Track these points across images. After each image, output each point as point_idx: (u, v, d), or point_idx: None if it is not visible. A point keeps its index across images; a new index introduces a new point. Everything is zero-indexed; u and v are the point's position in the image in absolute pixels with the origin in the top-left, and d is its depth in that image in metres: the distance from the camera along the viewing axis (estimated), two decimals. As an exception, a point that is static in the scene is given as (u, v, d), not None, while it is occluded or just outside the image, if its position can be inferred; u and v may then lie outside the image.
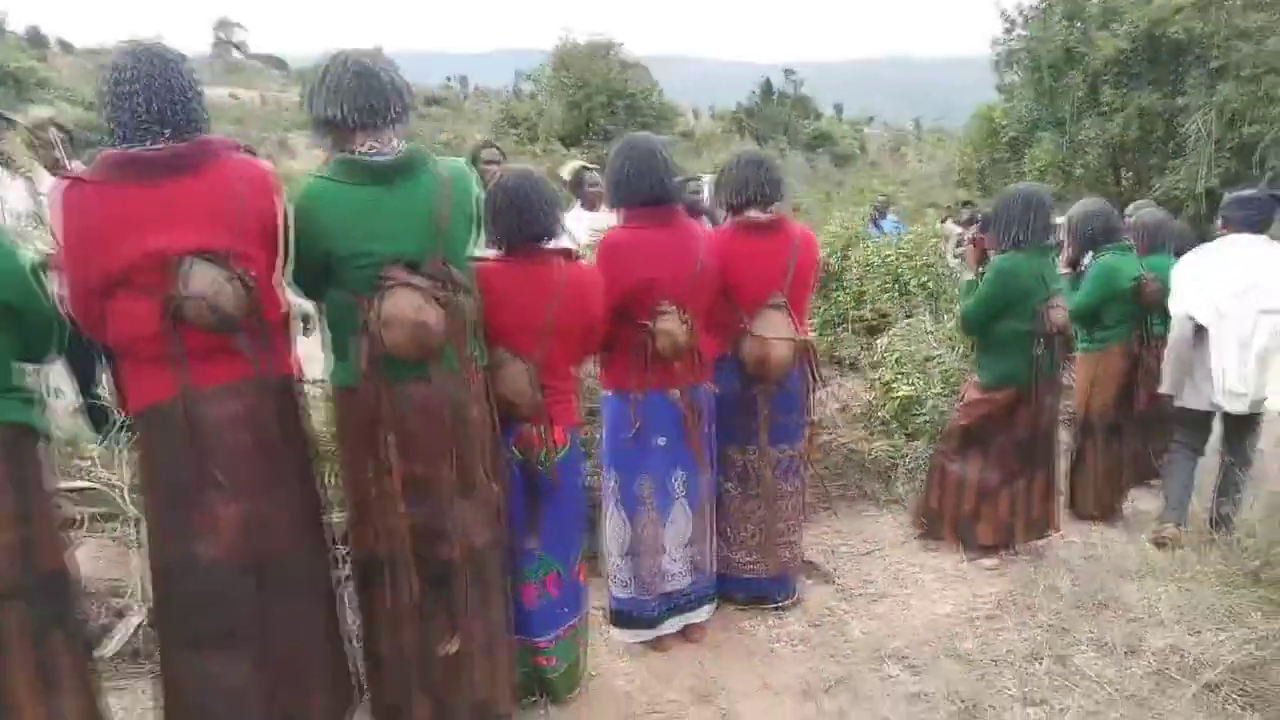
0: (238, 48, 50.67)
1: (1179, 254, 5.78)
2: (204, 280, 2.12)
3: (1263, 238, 4.48)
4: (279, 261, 2.31)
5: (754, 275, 3.41)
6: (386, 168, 2.35)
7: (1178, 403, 4.49)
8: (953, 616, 3.80)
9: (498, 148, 5.99)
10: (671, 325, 3.09)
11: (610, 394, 3.28)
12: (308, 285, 2.44)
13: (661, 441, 3.24)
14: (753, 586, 3.74)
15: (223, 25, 50.84)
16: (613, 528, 3.34)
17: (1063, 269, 5.08)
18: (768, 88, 47.23)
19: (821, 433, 5.03)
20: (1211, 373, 4.29)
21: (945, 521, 4.48)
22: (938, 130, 49.90)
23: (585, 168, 6.35)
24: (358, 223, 2.31)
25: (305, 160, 22.85)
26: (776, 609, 3.77)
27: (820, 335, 9.35)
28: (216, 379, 2.22)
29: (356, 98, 2.32)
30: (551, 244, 2.81)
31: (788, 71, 49.42)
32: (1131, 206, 6.71)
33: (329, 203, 2.32)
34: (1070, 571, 4.21)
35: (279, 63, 51.15)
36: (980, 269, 4.27)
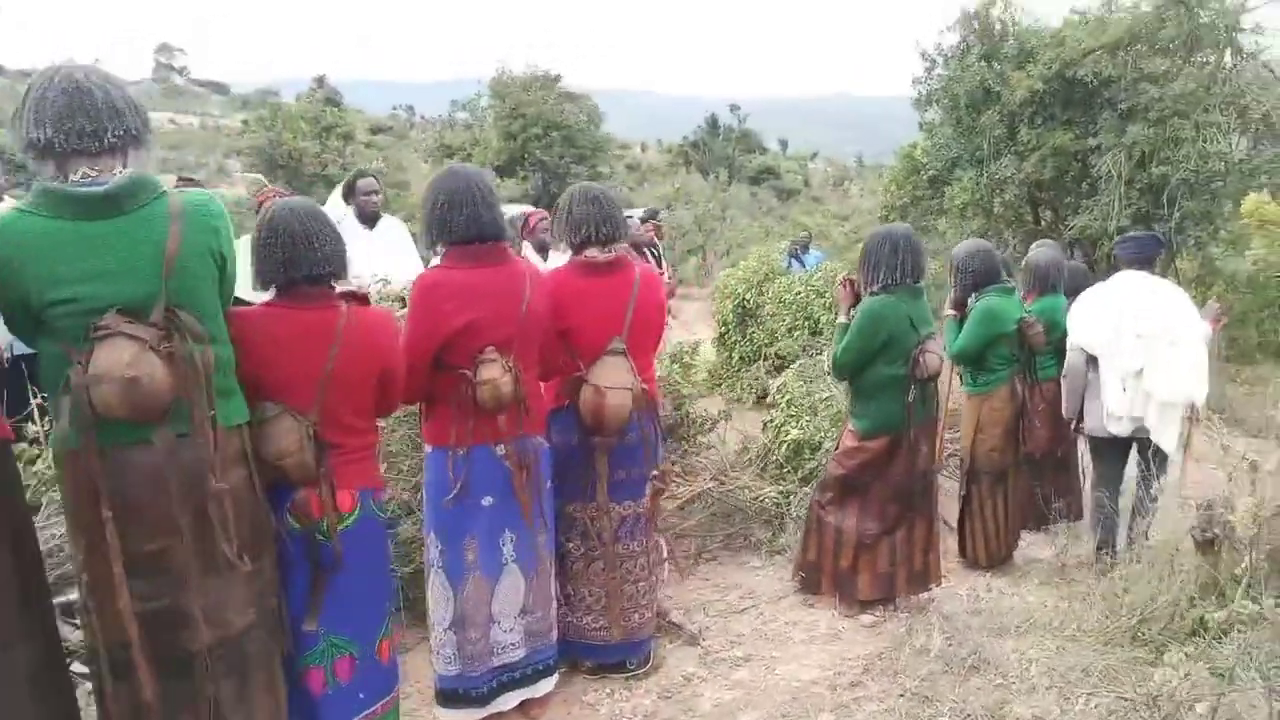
0: (179, 73, 49.67)
1: (1074, 293, 5.68)
2: None
3: (1145, 273, 4.68)
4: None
5: (591, 319, 3.12)
6: (99, 199, 1.99)
7: (1087, 430, 4.74)
8: (817, 683, 3.51)
9: (375, 177, 5.68)
10: (494, 373, 2.78)
11: (431, 450, 2.95)
12: (22, 335, 2.08)
13: (488, 501, 2.92)
14: (601, 653, 3.41)
15: (164, 50, 49.86)
16: (435, 598, 3.00)
17: (948, 310, 4.90)
18: (714, 122, 47.62)
19: (682, 482, 4.76)
20: (1101, 398, 4.52)
21: (824, 574, 4.21)
22: (880, 166, 50.69)
23: (525, 216, 6.05)
24: (63, 263, 1.95)
25: (245, 185, 22.25)
26: (629, 677, 3.46)
27: (736, 372, 9.19)
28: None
29: (64, 119, 1.97)
30: (337, 286, 2.49)
31: (733, 106, 49.85)
32: (1033, 246, 6.59)
33: (27, 240, 1.96)
34: (947, 629, 3.95)
35: (220, 88, 50.23)
36: (851, 312, 4.04)
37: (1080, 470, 5.90)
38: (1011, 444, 4.72)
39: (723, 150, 46.06)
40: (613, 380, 3.03)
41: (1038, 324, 4.68)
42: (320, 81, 37.85)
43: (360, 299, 2.53)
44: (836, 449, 4.24)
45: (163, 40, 50.64)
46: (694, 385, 5.11)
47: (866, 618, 4.12)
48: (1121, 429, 4.50)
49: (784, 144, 61.78)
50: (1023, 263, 5.93)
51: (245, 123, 30.22)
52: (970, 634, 3.90)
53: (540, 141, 20.41)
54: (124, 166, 2.07)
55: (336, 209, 5.49)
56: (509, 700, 3.15)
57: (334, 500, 2.45)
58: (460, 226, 2.80)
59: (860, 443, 4.03)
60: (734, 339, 9.18)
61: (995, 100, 12.70)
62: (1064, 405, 4.75)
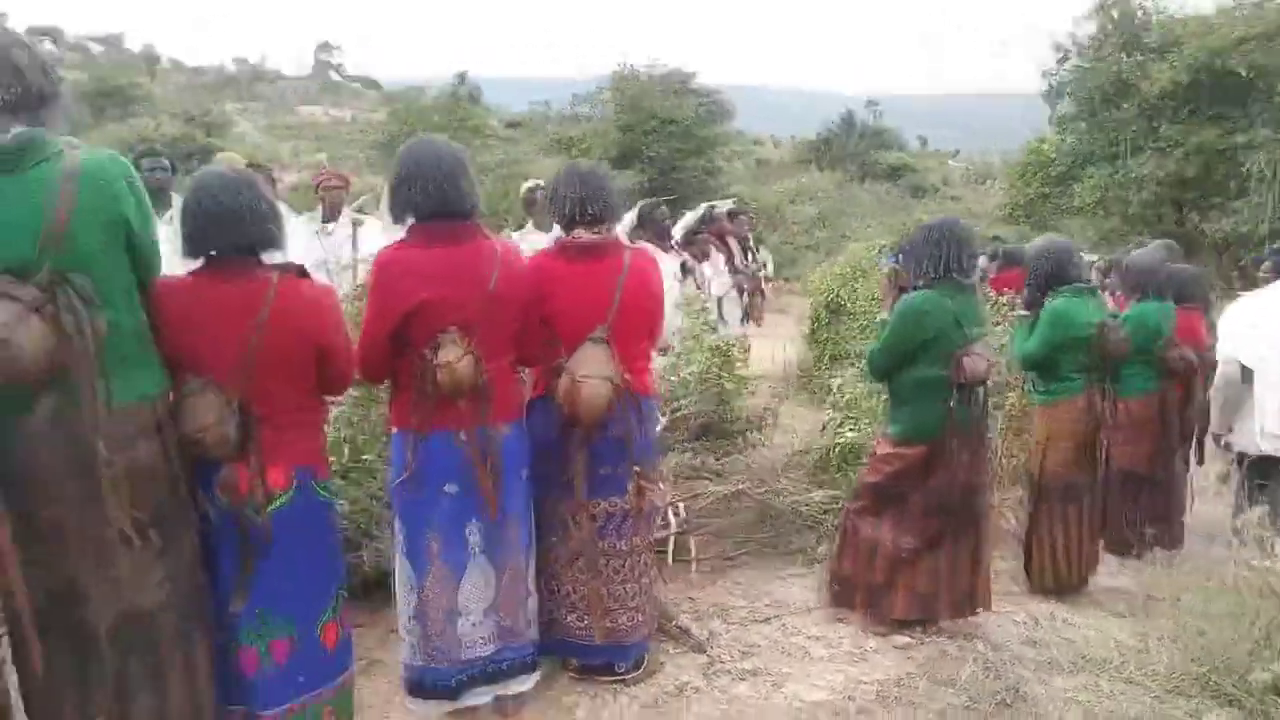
0: (336, 69, 52.19)
1: (1182, 300, 5.09)
2: None
3: None
4: None
5: (573, 304, 2.90)
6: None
7: (1237, 448, 4.52)
8: (822, 706, 3.19)
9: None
10: (452, 356, 2.60)
11: (395, 432, 2.81)
12: None
13: (450, 489, 2.75)
14: (586, 654, 3.19)
15: (324, 48, 52.51)
16: (399, 586, 2.86)
17: (1019, 311, 4.44)
18: (849, 118, 46.40)
19: (718, 482, 4.47)
20: (1255, 415, 4.26)
21: (857, 588, 3.86)
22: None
23: (539, 186, 5.94)
24: None
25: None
26: (616, 682, 3.23)
27: (825, 370, 8.76)
28: None
29: None
30: (270, 257, 2.37)
31: (870, 102, 48.48)
32: (1150, 247, 5.95)
33: None
34: (990, 659, 3.55)
35: (373, 84, 52.47)
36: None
37: (1187, 494, 5.31)
38: (1085, 460, 4.22)
39: (855, 147, 44.84)
40: (590, 370, 2.80)
41: (1119, 329, 4.16)
42: (462, 78, 38.94)
43: (295, 272, 2.40)
44: (872, 453, 3.88)
45: (324, 39, 53.28)
46: (738, 380, 4.79)
47: (900, 639, 3.74)
48: (1274, 447, 4.28)
49: (923, 141, 59.67)
50: (1121, 264, 5.38)
51: (391, 115, 31.30)
52: (1013, 667, 3.50)
53: (654, 136, 20.28)
54: (24, 126, 1.99)
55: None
56: (481, 695, 2.97)
57: (263, 477, 2.33)
58: (422, 201, 2.64)
59: (894, 449, 3.66)
60: (824, 336, 8.75)
61: (1133, 93, 11.72)
62: (1213, 420, 4.54)
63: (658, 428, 3.23)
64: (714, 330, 5.95)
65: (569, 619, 3.14)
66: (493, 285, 2.69)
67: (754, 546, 4.54)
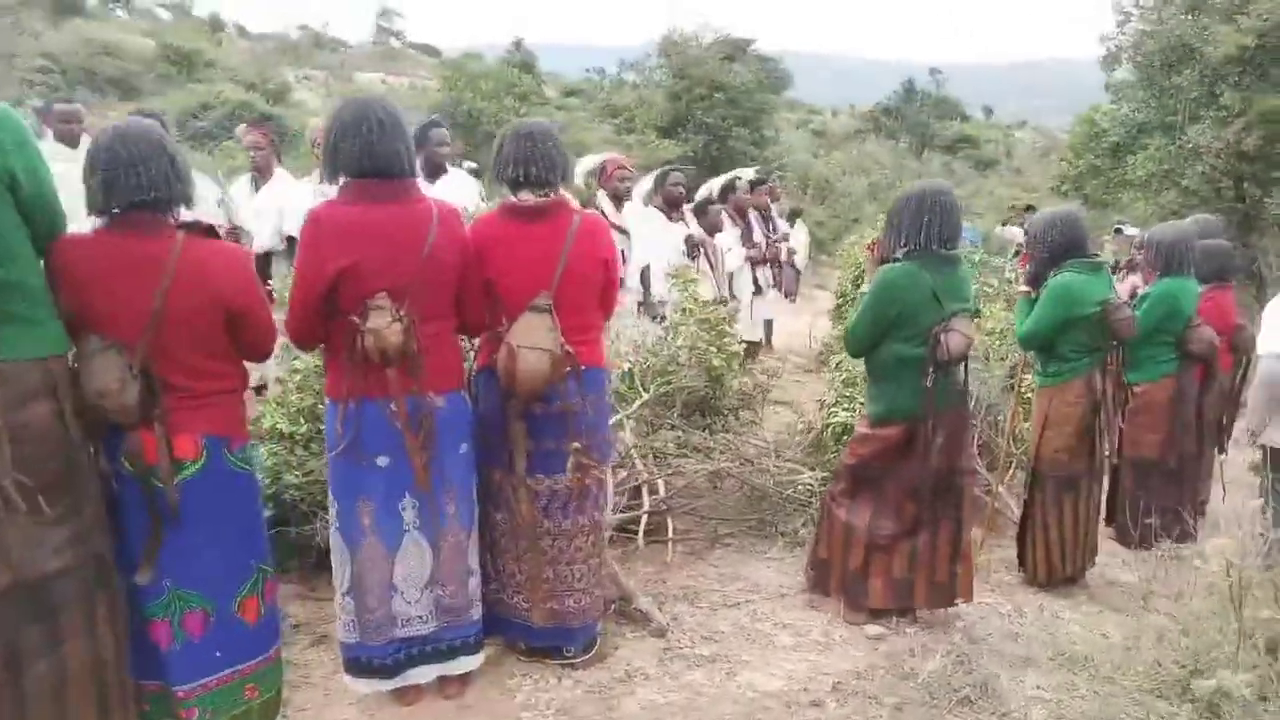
0: (396, 36, 52.28)
1: (1211, 278, 4.78)
2: None
3: None
4: None
5: (515, 269, 2.77)
6: None
7: (1261, 441, 4.10)
8: (774, 696, 3.05)
9: (447, 128, 5.51)
10: (381, 321, 2.50)
11: (328, 402, 2.72)
12: None
13: (383, 461, 2.66)
14: (532, 636, 3.10)
15: (385, 15, 52.58)
16: (334, 560, 2.78)
17: (1021, 287, 4.20)
18: (910, 87, 45.09)
19: (702, 460, 4.32)
20: None
21: (833, 574, 3.71)
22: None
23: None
24: None
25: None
26: (565, 665, 3.14)
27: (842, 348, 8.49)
28: None
29: None
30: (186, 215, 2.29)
31: (933, 70, 47.11)
32: (1188, 221, 5.59)
33: None
34: (961, 653, 3.37)
35: (433, 51, 52.53)
36: (876, 280, 3.46)
37: (1209, 484, 5.03)
38: (1085, 447, 3.98)
39: (917, 116, 43.56)
40: (530, 340, 2.68)
41: (1124, 307, 3.89)
42: (517, 45, 38.75)
43: (205, 231, 2.31)
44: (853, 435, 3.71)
45: (384, 5, 53.25)
46: (728, 356, 4.62)
47: (873, 628, 3.59)
48: None
49: (988, 111, 57.79)
50: (1145, 238, 5.07)
51: (443, 83, 31.29)
52: (987, 661, 3.32)
53: (704, 103, 19.90)
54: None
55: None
56: (423, 674, 2.90)
57: (168, 445, 2.26)
58: (353, 158, 2.52)
59: (871, 429, 3.49)
60: (849, 312, 8.48)
61: (1195, 58, 11.08)
62: (1249, 415, 4.12)
63: (608, 402, 3.09)
64: (720, 304, 5.79)
65: (515, 599, 3.05)
66: (428, 248, 2.57)
67: (738, 528, 4.40)
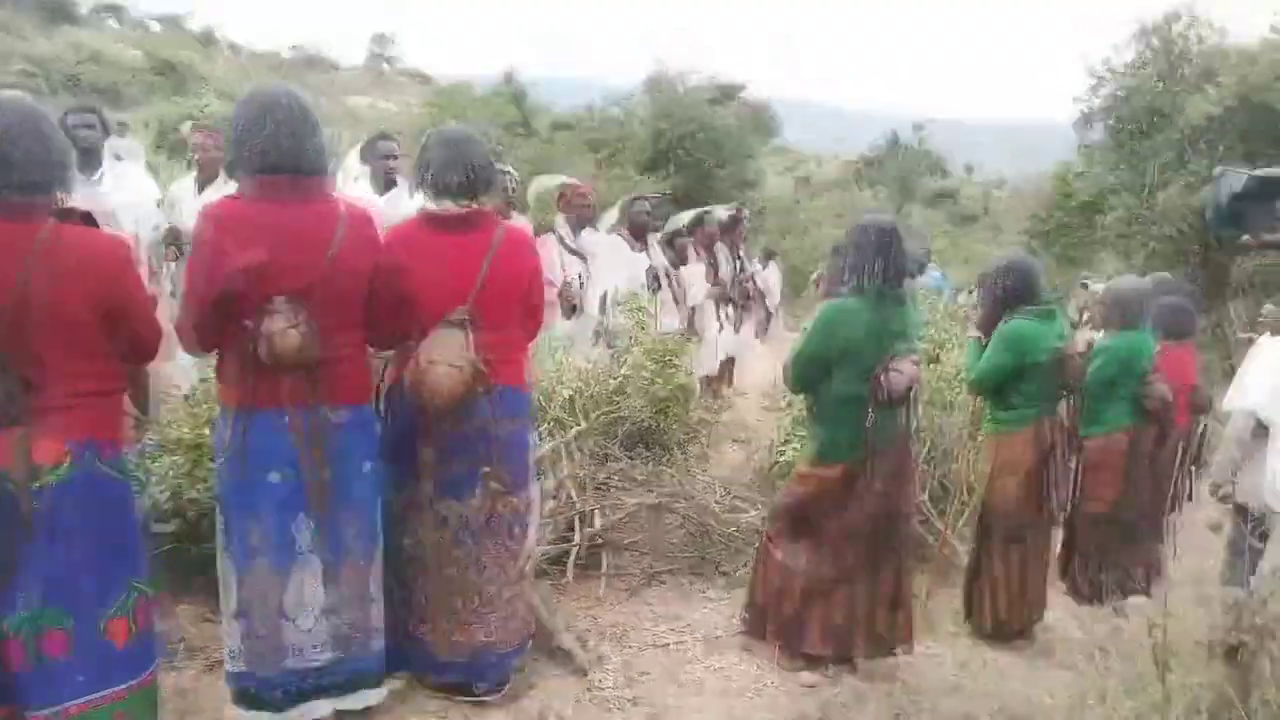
0: (388, 62, 52.42)
1: (1171, 335, 4.71)
2: None
3: None
4: None
5: (433, 281, 2.61)
6: None
7: (1237, 498, 4.21)
8: (691, 748, 2.87)
9: (395, 140, 5.38)
10: (277, 326, 2.33)
11: (220, 408, 2.55)
12: None
13: (275, 477, 2.47)
14: (441, 670, 2.89)
15: (378, 40, 52.78)
16: (221, 580, 2.59)
17: (972, 332, 4.09)
18: (894, 139, 45.65)
19: (638, 492, 4.15)
20: (1267, 472, 3.96)
21: (769, 619, 3.53)
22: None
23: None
24: None
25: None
26: (475, 703, 2.93)
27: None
28: None
29: None
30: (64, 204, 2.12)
31: (916, 125, 47.80)
32: (1149, 278, 5.53)
33: None
34: (897, 707, 3.20)
35: (424, 79, 52.72)
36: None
37: (1159, 543, 4.90)
38: (1034, 497, 3.84)
39: (900, 169, 44.05)
40: (441, 355, 2.51)
41: (1076, 356, 3.78)
42: (508, 77, 38.91)
43: (80, 219, 2.14)
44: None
45: (379, 31, 53.52)
46: (674, 387, 4.46)
47: (808, 676, 3.41)
48: None
49: (969, 169, 58.60)
50: (1103, 292, 5.00)
51: (426, 109, 31.32)
52: (922, 716, 3.15)
53: (687, 142, 19.93)
54: None
55: (352, 169, 5.23)
56: (318, 708, 2.68)
57: (26, 449, 2.07)
58: (256, 153, 2.37)
59: (810, 469, 3.34)
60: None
61: (1166, 124, 11.19)
62: (1215, 469, 4.25)
63: (527, 426, 2.92)
64: (681, 336, 5.66)
65: (421, 630, 2.85)
66: (333, 251, 2.41)
67: (677, 565, 4.21)
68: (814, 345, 3.17)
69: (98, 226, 2.19)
